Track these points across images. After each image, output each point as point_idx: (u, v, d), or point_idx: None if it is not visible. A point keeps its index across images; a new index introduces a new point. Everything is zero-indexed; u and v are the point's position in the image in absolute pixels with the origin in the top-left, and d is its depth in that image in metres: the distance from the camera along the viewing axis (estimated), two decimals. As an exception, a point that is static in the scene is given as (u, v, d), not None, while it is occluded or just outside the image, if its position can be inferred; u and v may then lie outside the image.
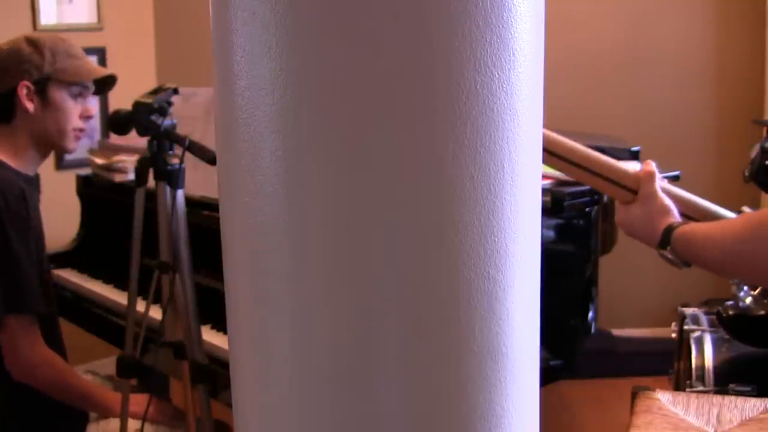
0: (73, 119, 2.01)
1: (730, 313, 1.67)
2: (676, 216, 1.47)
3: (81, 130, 2.04)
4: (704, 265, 1.42)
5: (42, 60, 1.96)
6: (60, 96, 1.98)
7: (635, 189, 1.50)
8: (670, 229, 1.43)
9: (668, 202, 1.48)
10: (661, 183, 1.51)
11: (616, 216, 1.55)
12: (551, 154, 1.52)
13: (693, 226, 1.42)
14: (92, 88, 2.06)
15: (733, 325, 1.69)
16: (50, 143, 2.02)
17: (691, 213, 1.52)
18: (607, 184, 1.53)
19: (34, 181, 2.06)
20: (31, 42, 1.97)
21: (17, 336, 1.88)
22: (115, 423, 2.07)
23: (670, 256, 1.43)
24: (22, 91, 1.94)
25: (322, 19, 0.62)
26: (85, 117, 2.05)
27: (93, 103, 2.09)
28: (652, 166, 1.52)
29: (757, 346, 1.71)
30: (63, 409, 2.02)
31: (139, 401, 1.98)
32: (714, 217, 1.51)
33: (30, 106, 1.96)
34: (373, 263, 0.64)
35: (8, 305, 1.87)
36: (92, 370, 2.50)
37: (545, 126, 0.75)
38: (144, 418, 1.91)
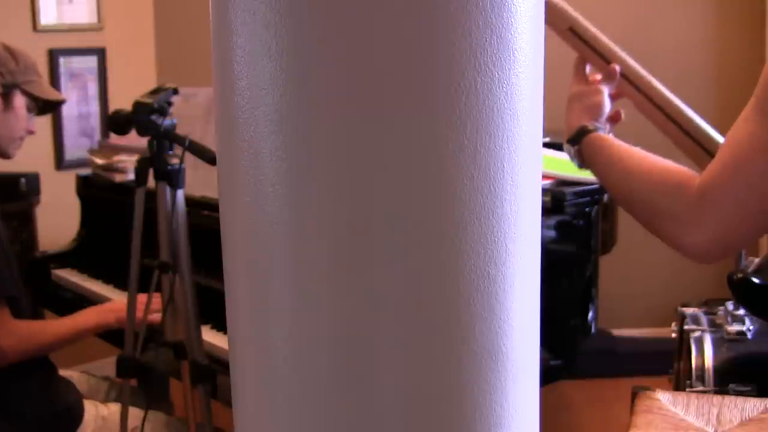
0: (24, 129, 2.15)
1: (740, 275, 1.63)
2: (599, 120, 1.46)
3: (21, 139, 2.18)
4: (598, 176, 1.42)
5: (17, 67, 2.10)
6: (20, 104, 2.12)
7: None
8: (585, 131, 1.43)
9: (605, 107, 1.48)
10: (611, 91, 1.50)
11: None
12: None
13: (614, 142, 1.40)
14: (40, 107, 2.22)
15: (742, 290, 1.64)
16: None
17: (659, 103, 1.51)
18: (594, 55, 1.53)
19: None
20: (8, 49, 2.12)
21: None
22: (114, 419, 2.08)
23: (573, 154, 1.44)
24: None
25: (322, 20, 0.62)
26: (29, 132, 2.19)
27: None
28: (617, 71, 1.51)
29: (763, 317, 1.69)
30: (55, 412, 2.02)
31: (111, 308, 2.08)
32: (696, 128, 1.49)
33: None
34: (374, 263, 0.64)
35: None
36: (88, 370, 2.50)
37: (545, 127, 0.75)
38: (144, 418, 1.92)
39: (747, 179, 1.15)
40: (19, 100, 2.11)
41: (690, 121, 1.51)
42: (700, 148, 1.50)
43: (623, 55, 1.56)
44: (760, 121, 1.17)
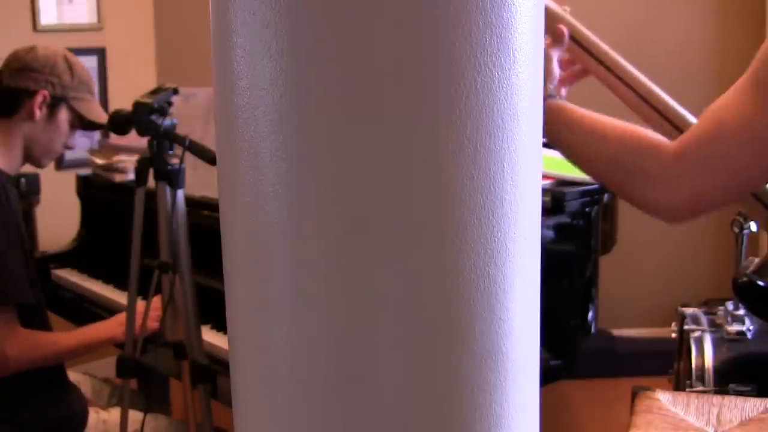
0: (62, 144, 2.14)
1: (745, 279, 1.63)
2: (547, 87, 1.44)
3: (57, 152, 2.17)
4: (558, 143, 1.40)
5: (71, 82, 2.08)
6: (63, 118, 2.10)
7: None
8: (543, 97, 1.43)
9: (554, 72, 1.46)
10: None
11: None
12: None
13: (575, 109, 1.39)
14: (84, 125, 2.19)
15: (747, 293, 1.64)
16: (33, 154, 2.11)
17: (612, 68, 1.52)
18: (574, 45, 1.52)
19: (12, 181, 2.09)
20: (68, 62, 2.10)
21: None
22: (115, 422, 2.08)
23: None
24: (39, 98, 2.04)
25: (321, 20, 0.62)
26: (68, 147, 2.18)
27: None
28: (565, 33, 1.47)
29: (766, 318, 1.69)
30: (62, 420, 2.02)
31: (120, 321, 2.04)
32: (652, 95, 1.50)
33: (37, 113, 2.05)
34: (374, 263, 0.64)
35: None
36: (88, 371, 2.50)
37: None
38: (143, 421, 1.91)
39: (727, 149, 1.19)
40: (63, 115, 2.08)
41: (649, 89, 1.53)
42: (657, 114, 1.52)
43: (599, 41, 1.56)
44: (752, 96, 1.20)
